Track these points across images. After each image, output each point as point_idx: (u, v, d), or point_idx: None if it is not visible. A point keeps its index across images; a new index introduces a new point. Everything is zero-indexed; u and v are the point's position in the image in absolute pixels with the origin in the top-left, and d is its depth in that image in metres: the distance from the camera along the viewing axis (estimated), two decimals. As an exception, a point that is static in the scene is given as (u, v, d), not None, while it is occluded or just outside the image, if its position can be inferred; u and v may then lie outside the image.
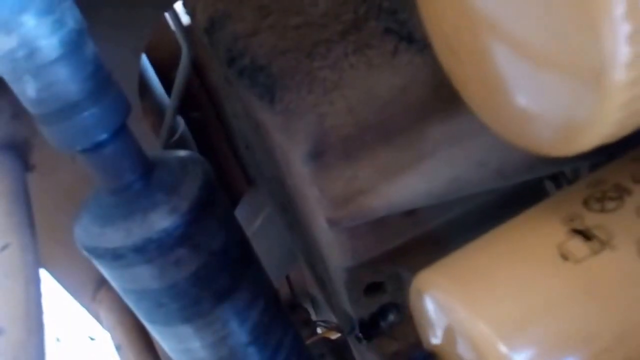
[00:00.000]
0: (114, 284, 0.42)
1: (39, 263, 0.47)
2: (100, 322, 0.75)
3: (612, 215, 0.28)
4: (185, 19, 0.85)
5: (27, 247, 0.47)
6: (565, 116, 0.23)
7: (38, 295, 0.45)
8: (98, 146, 0.36)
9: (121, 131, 0.37)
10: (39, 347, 0.42)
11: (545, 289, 0.27)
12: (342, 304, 0.54)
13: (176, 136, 0.96)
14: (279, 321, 0.47)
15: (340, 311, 0.58)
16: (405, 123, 0.39)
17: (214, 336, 0.43)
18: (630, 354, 0.26)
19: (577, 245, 0.27)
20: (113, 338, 0.71)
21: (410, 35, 0.40)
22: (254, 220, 0.91)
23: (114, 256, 0.38)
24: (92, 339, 1.75)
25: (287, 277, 1.27)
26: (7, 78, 0.33)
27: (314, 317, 1.30)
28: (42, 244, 0.50)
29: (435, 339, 0.31)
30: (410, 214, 0.45)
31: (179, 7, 0.81)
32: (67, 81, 0.33)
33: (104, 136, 0.36)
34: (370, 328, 0.52)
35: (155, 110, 0.95)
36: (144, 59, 0.91)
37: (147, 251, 0.38)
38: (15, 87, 0.33)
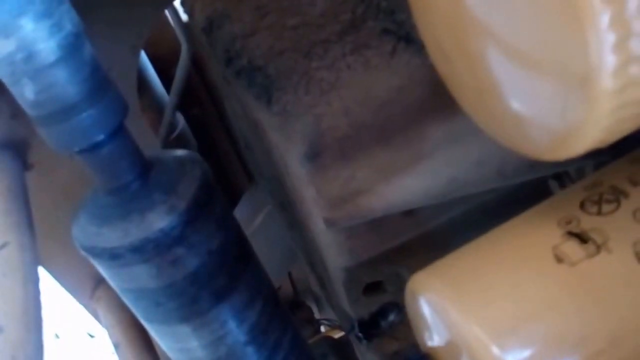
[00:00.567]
0: (112, 283, 0.42)
1: (37, 261, 0.47)
2: (99, 321, 0.75)
3: (609, 218, 0.28)
4: (184, 16, 0.84)
5: (26, 245, 0.47)
6: (555, 121, 0.23)
7: (36, 293, 0.45)
8: (95, 147, 0.36)
9: (119, 132, 0.37)
10: (38, 345, 0.42)
11: (539, 292, 0.27)
12: (342, 303, 0.54)
13: (175, 133, 0.96)
14: (278, 321, 0.47)
15: (340, 311, 0.58)
16: (404, 123, 0.39)
17: (212, 335, 0.43)
18: (625, 356, 0.26)
19: (573, 248, 0.27)
20: (111, 336, 0.71)
21: (408, 36, 0.40)
22: (254, 217, 0.91)
23: (112, 256, 0.39)
24: (91, 336, 1.75)
25: (290, 275, 1.26)
26: (6, 81, 0.33)
27: (317, 315, 1.29)
28: (40, 242, 0.50)
29: (431, 341, 0.31)
30: (409, 213, 0.45)
31: (178, 3, 0.81)
32: (65, 83, 0.33)
33: (101, 137, 0.36)
34: (370, 328, 0.52)
35: (154, 107, 0.95)
36: (143, 55, 0.91)
37: (145, 251, 0.38)
38: (13, 90, 0.33)
